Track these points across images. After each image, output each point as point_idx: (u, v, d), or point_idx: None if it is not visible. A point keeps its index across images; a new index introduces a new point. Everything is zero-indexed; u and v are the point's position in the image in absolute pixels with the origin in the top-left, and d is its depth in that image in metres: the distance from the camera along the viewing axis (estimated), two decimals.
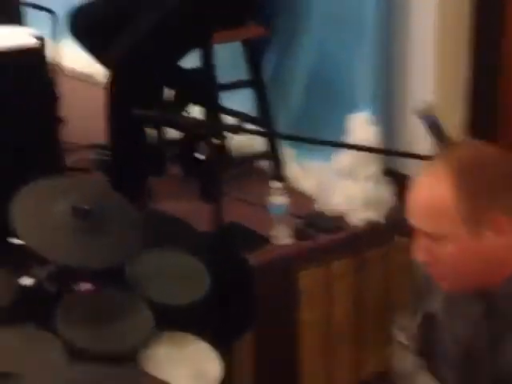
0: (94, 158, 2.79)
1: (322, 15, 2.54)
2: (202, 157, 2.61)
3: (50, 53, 2.43)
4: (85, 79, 3.44)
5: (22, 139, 1.99)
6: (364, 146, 2.29)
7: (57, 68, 2.68)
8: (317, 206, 2.46)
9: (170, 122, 2.42)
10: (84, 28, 2.60)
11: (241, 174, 2.76)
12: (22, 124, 1.97)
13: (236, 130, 1.89)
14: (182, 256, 1.77)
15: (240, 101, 2.79)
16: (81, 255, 1.52)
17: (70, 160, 2.79)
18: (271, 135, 2.66)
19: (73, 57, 3.03)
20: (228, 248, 2.12)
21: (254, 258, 2.15)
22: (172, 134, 2.84)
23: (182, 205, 2.51)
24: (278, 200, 2.23)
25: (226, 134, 2.85)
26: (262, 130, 2.67)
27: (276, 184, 2.25)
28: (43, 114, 2.02)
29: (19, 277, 1.60)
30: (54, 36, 2.66)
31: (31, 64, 1.97)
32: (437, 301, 1.31)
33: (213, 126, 1.96)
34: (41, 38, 2.03)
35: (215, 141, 1.90)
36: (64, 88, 2.67)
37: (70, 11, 2.63)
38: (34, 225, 1.50)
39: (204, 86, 2.63)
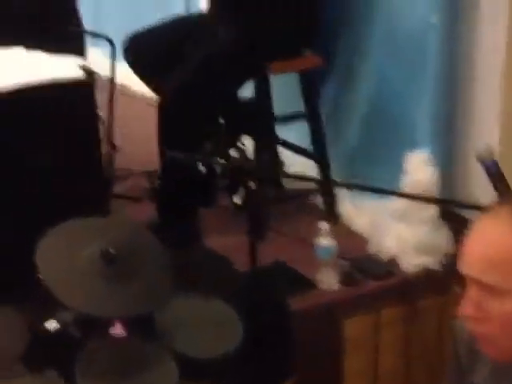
0: (146, 186, 2.76)
1: (383, 47, 2.43)
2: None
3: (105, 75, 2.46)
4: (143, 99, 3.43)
5: (65, 171, 1.96)
6: (419, 195, 2.15)
7: (113, 89, 2.71)
8: (368, 248, 2.34)
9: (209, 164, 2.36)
10: (138, 55, 2.58)
11: (291, 210, 2.67)
12: (66, 157, 1.95)
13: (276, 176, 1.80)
14: (216, 302, 1.69)
15: (295, 133, 2.71)
16: (105, 303, 1.46)
17: (122, 187, 2.80)
18: (322, 182, 2.56)
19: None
20: (268, 290, 2.04)
21: (296, 303, 2.05)
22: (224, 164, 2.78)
23: (229, 239, 2.44)
24: (326, 242, 2.13)
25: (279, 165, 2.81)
26: (314, 165, 2.59)
27: (324, 225, 2.14)
28: (87, 147, 1.99)
29: (45, 320, 1.56)
30: (113, 59, 2.69)
31: (76, 97, 1.93)
32: (482, 372, 1.16)
33: (246, 171, 1.85)
34: (89, 70, 2.01)
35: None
36: (122, 109, 2.69)
37: (126, 38, 2.61)
38: (59, 267, 1.46)
39: (257, 117, 2.56)
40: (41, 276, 1.43)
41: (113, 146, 2.82)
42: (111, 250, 1.50)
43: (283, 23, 2.38)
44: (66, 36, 2.63)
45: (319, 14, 2.49)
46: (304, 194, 2.73)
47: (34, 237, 1.49)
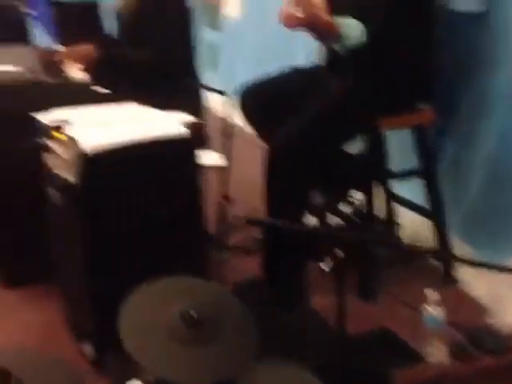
0: (256, 237, 2.73)
1: (506, 100, 2.25)
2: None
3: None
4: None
5: (165, 224, 1.97)
6: None
7: (231, 143, 2.73)
8: (486, 319, 2.13)
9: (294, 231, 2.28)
10: (251, 105, 2.58)
11: (406, 270, 2.52)
12: (166, 211, 1.96)
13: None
14: (303, 375, 1.58)
15: (410, 190, 2.58)
16: (183, 368, 1.41)
17: (234, 238, 2.79)
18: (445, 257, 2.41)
19: None
20: (370, 360, 1.91)
21: (401, 376, 1.89)
22: (334, 219, 2.68)
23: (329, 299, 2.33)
24: (435, 311, 1.96)
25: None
26: (431, 224, 2.44)
27: (432, 293, 1.98)
28: (187, 202, 1.99)
29: (129, 379, 1.54)
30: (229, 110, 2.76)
31: (178, 153, 1.95)
32: None
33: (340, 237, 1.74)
34: (194, 124, 2.03)
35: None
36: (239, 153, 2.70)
37: (241, 87, 2.62)
38: (140, 328, 1.43)
39: (368, 172, 2.45)
40: (121, 336, 1.41)
41: (226, 198, 2.84)
42: (192, 313, 1.45)
43: (398, 77, 2.28)
44: (180, 90, 2.71)
45: (436, 66, 2.36)
46: (419, 255, 2.57)
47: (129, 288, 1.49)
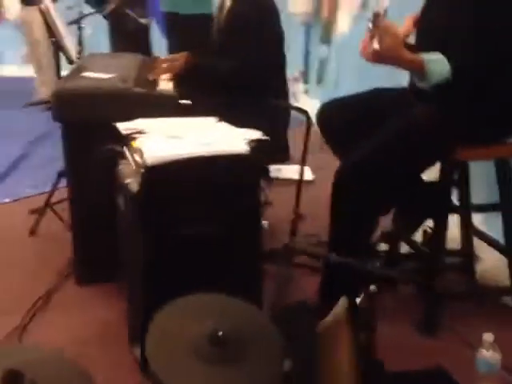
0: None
1: None
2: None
3: None
4: None
5: (222, 241, 2.01)
6: None
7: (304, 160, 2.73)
8: None
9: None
10: (328, 122, 2.56)
11: (476, 307, 2.41)
12: (224, 228, 1.99)
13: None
14: None
15: (491, 224, 2.47)
16: None
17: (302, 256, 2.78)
18: None
19: None
20: None
21: None
22: (405, 247, 2.63)
23: (395, 329, 2.27)
24: (489, 356, 1.87)
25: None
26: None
27: (489, 336, 1.89)
28: (246, 222, 2.03)
29: None
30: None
31: (237, 171, 1.98)
32: None
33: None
34: (262, 142, 2.06)
35: None
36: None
37: (321, 104, 2.63)
38: (165, 345, 1.46)
39: (442, 202, 2.36)
40: (146, 352, 1.46)
41: (298, 215, 2.84)
42: (219, 333, 1.47)
43: (485, 109, 2.19)
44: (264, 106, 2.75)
45: None
46: (493, 293, 2.46)
47: None
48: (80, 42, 3.37)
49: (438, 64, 2.06)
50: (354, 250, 2.22)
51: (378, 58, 2.06)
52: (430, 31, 2.28)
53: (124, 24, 4.41)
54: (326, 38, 5.26)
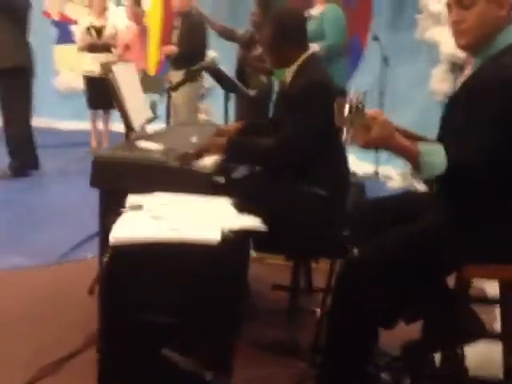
0: None
1: None
2: None
3: None
4: None
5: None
6: None
7: None
8: None
9: None
10: (356, 219, 2.43)
11: None
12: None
13: None
14: None
15: None
16: None
17: None
18: None
19: None
20: None
21: None
22: None
23: None
24: None
25: None
26: None
27: None
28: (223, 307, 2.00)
29: None
30: None
31: (201, 259, 1.95)
32: None
33: None
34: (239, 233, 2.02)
35: None
36: None
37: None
38: None
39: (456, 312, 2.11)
40: None
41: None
42: None
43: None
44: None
45: None
46: None
47: None
48: (168, 112, 3.54)
49: (433, 157, 1.88)
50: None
51: (368, 146, 1.92)
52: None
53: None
54: None
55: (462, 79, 2.16)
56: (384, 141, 1.89)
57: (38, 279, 3.41)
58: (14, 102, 5.70)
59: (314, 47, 4.69)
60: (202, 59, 5.97)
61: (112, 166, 2.63)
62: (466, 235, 1.98)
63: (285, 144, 2.65)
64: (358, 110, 1.82)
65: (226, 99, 4.47)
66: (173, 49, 6.02)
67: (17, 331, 2.82)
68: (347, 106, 1.82)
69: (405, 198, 2.41)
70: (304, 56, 2.80)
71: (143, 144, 2.83)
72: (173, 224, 2.03)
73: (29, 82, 5.81)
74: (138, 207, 2.20)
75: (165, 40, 6.96)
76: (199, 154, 2.74)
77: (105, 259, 1.97)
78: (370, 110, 1.88)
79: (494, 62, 2.01)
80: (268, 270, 3.59)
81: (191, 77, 4.10)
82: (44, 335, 2.76)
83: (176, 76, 6.08)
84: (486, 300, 2.29)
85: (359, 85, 7.05)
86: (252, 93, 4.61)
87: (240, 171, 3.06)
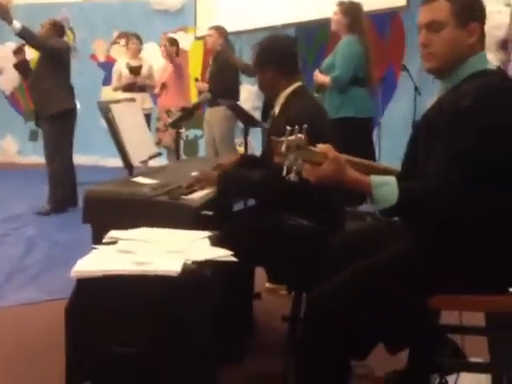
0: None
1: None
2: None
3: None
4: None
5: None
6: None
7: None
8: None
9: None
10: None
11: None
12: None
13: None
14: None
15: None
16: None
17: None
18: None
19: None
20: None
21: None
22: None
23: None
24: None
25: None
26: None
27: None
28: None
29: None
30: None
31: (162, 292, 1.97)
32: None
33: None
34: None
35: None
36: None
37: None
38: None
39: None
40: None
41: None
42: None
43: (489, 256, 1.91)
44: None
45: None
46: None
47: None
48: (177, 147, 3.62)
49: (385, 188, 1.86)
50: None
51: (319, 182, 1.91)
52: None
53: None
54: None
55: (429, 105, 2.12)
56: (335, 176, 1.88)
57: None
58: (57, 143, 5.99)
59: (327, 79, 4.72)
60: (235, 96, 6.11)
61: (101, 201, 2.69)
62: (435, 263, 1.93)
63: (269, 177, 2.65)
64: (298, 147, 1.82)
65: (245, 133, 4.54)
66: (205, 86, 6.16)
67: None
68: (284, 144, 1.82)
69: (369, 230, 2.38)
70: (293, 87, 2.82)
71: (139, 179, 2.89)
72: (137, 257, 2.06)
73: (71, 125, 6.08)
74: (113, 242, 2.25)
75: (203, 78, 7.13)
76: (190, 187, 2.79)
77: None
78: (320, 146, 1.88)
79: (454, 90, 1.99)
80: (281, 301, 3.58)
81: (188, 113, 4.18)
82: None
83: (211, 113, 6.21)
84: (464, 329, 2.20)
85: (393, 113, 7.04)
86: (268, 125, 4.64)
87: (230, 205, 3.08)
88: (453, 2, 1.98)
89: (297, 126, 1.83)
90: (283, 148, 1.81)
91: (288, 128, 1.83)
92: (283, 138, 1.83)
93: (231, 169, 2.97)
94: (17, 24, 5.60)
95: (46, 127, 6.05)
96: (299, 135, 1.82)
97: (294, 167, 1.83)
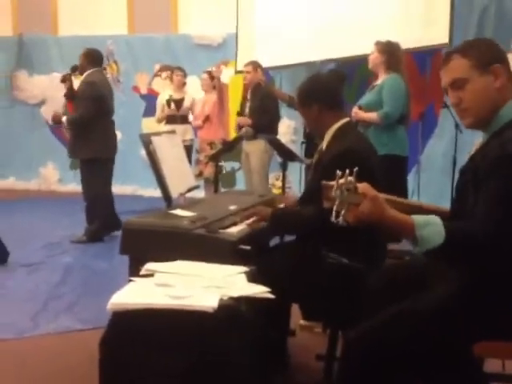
0: None
1: None
2: None
3: None
4: None
5: None
6: None
7: None
8: None
9: None
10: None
11: None
12: None
13: None
14: None
15: None
16: None
17: None
18: None
19: None
20: None
21: None
22: None
23: None
24: None
25: None
26: None
27: None
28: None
29: None
30: None
31: (197, 327, 1.95)
32: None
33: None
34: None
35: None
36: None
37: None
38: None
39: None
40: None
41: None
42: None
43: None
44: None
45: None
46: None
47: None
48: (216, 179, 3.62)
49: (430, 228, 1.82)
50: None
51: (359, 222, 1.87)
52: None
53: None
54: None
55: (472, 153, 2.10)
56: (375, 216, 1.84)
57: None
58: (89, 185, 6.03)
59: (374, 116, 4.70)
60: (274, 130, 6.13)
61: (139, 233, 2.70)
62: (481, 308, 1.87)
63: (318, 221, 2.61)
64: (349, 191, 1.79)
65: (284, 167, 4.53)
66: (247, 120, 6.19)
67: None
68: (335, 187, 1.80)
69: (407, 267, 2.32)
70: (340, 122, 2.81)
71: (178, 211, 2.90)
72: (174, 291, 2.05)
73: (105, 171, 6.10)
74: (150, 275, 2.25)
75: (241, 112, 7.17)
76: (247, 218, 2.78)
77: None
78: (359, 185, 1.85)
79: (497, 137, 1.95)
80: (316, 339, 3.52)
81: (229, 147, 4.19)
82: None
83: (249, 145, 6.23)
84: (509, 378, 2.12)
85: (433, 151, 6.96)
86: (307, 161, 4.63)
87: (267, 240, 3.06)
88: (469, 56, 1.98)
89: (347, 170, 1.80)
90: (333, 192, 1.79)
91: (338, 172, 1.81)
92: (333, 182, 1.80)
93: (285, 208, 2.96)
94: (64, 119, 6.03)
95: (80, 167, 6.18)
96: (349, 178, 1.80)
97: (343, 211, 1.80)
